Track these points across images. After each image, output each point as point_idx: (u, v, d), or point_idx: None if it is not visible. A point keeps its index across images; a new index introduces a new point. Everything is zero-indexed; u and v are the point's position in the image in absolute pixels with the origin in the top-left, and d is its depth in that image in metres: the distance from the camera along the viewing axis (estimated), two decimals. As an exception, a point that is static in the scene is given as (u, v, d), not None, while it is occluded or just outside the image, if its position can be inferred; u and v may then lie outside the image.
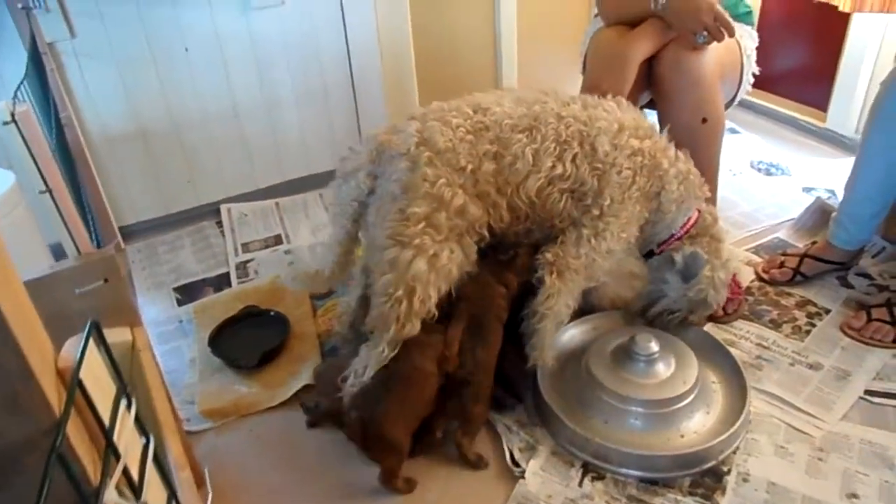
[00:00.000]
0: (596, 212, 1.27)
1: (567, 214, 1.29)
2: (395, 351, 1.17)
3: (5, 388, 0.33)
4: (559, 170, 1.25)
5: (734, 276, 1.58)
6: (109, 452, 0.40)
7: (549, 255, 1.28)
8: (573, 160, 1.25)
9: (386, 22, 2.13)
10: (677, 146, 1.38)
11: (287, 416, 1.37)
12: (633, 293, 1.60)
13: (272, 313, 1.59)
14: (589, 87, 1.54)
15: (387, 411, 1.15)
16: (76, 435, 0.38)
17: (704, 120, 1.57)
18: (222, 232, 2.06)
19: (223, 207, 2.15)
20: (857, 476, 1.16)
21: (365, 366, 1.18)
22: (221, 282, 1.83)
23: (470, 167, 1.21)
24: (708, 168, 1.59)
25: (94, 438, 0.42)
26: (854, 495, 1.13)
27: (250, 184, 2.19)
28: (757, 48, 1.76)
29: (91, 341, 0.46)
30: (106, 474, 0.39)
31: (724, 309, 1.53)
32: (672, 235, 1.38)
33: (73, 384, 0.38)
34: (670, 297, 1.39)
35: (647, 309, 1.43)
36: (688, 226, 1.37)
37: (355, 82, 2.17)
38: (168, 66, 1.90)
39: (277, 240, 2.01)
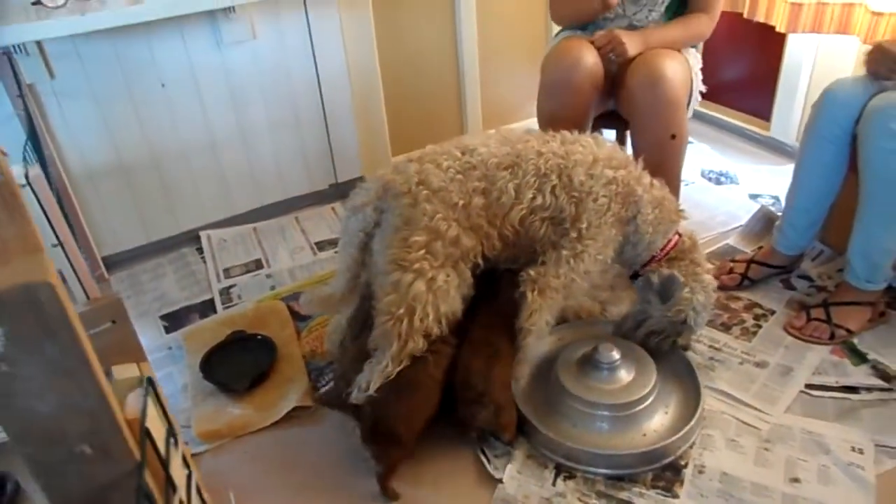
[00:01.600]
0: (574, 234, 1.39)
1: (547, 239, 1.41)
2: (401, 366, 1.29)
3: (100, 441, 0.43)
4: (539, 200, 1.38)
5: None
6: (169, 486, 0.50)
7: (532, 273, 1.40)
8: (552, 191, 1.38)
9: (353, 49, 2.23)
10: (646, 161, 1.50)
11: (279, 436, 1.46)
12: (596, 303, 1.73)
13: (259, 337, 1.68)
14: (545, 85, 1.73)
15: (397, 412, 1.27)
16: (148, 473, 0.47)
17: (673, 136, 1.72)
18: (203, 258, 2.13)
19: (203, 234, 2.22)
20: (799, 462, 1.30)
21: (368, 381, 1.29)
22: (206, 308, 1.90)
23: (462, 203, 1.34)
24: (672, 180, 1.75)
25: (154, 473, 0.51)
26: (796, 479, 1.26)
27: (228, 209, 2.26)
28: (705, 64, 1.92)
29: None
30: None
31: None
32: (653, 257, 1.48)
33: (142, 434, 0.47)
34: (654, 318, 1.49)
35: (635, 330, 1.52)
36: (667, 248, 1.47)
37: (326, 109, 2.26)
38: (146, 101, 1.97)
39: (258, 264, 2.09)
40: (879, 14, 1.86)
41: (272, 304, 1.85)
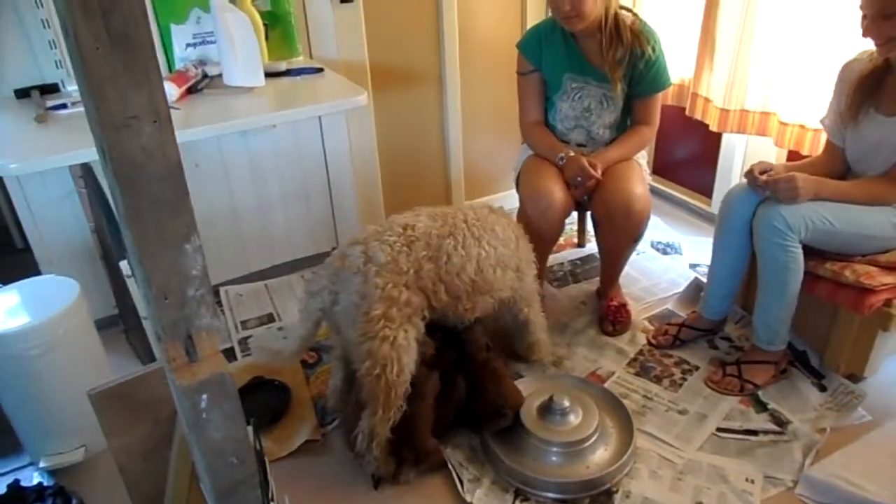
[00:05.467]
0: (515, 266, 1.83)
1: (504, 283, 1.82)
2: (399, 415, 1.64)
3: (241, 454, 0.78)
4: (483, 253, 1.76)
5: (626, 304, 2.29)
6: (266, 483, 0.84)
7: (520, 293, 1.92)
8: (488, 243, 1.78)
9: (357, 137, 2.63)
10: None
11: (294, 464, 1.80)
12: (549, 344, 2.11)
13: (276, 382, 2.02)
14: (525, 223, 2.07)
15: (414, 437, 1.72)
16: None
17: (636, 240, 2.15)
18: (223, 311, 2.48)
19: (222, 290, 2.57)
20: (704, 490, 1.66)
21: (368, 427, 1.64)
22: (227, 356, 2.24)
23: (412, 270, 1.65)
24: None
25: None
26: (700, 503, 1.62)
27: (244, 268, 2.62)
28: (660, 146, 2.33)
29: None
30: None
31: (614, 327, 2.22)
32: None
33: (258, 451, 0.81)
34: None
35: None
36: None
37: (331, 185, 2.65)
38: (182, 180, 2.34)
39: (270, 318, 2.44)
40: (785, 124, 2.30)
41: (285, 354, 2.20)
